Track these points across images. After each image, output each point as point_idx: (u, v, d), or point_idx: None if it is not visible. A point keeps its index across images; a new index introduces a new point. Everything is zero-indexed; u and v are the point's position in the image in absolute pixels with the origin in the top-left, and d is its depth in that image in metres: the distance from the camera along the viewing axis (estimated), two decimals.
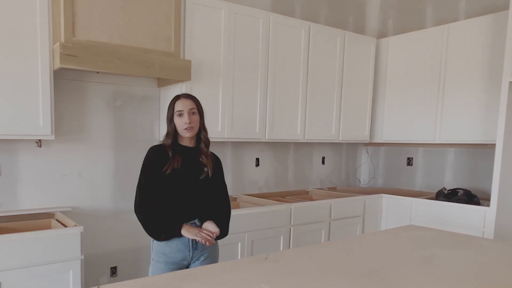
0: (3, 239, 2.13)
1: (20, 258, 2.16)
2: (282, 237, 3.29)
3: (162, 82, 3.12)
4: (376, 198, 4.05)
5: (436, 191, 3.98)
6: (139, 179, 2.06)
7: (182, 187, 2.06)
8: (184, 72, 2.88)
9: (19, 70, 2.33)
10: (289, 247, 3.34)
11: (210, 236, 1.99)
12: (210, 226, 2.04)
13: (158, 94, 3.18)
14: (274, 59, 3.48)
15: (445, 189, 3.86)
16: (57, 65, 2.38)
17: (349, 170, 4.70)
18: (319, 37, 3.80)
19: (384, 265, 1.74)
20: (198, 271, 1.74)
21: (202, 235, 1.96)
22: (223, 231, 2.17)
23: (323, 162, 4.42)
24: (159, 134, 3.16)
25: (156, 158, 2.06)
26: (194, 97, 2.16)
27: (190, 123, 2.04)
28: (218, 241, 2.23)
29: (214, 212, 2.14)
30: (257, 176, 3.86)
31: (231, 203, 3.53)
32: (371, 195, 4.04)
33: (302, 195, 4.10)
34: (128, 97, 3.00)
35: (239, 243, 3.03)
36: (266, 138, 3.49)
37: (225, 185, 2.29)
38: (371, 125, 4.39)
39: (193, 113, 2.07)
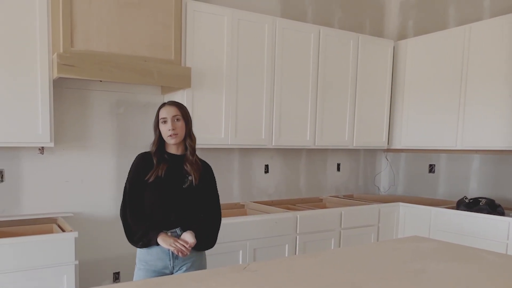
0: None
1: (15, 262, 2.23)
2: (287, 245, 3.21)
3: (166, 89, 3.15)
4: (392, 206, 3.88)
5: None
6: (125, 184, 2.08)
7: (164, 195, 2.04)
8: (183, 79, 2.89)
9: (19, 80, 2.42)
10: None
11: (184, 247, 1.94)
12: (187, 236, 2.00)
13: (162, 101, 3.21)
14: (281, 64, 3.43)
15: (466, 198, 3.64)
16: (55, 74, 2.46)
17: (367, 177, 4.55)
18: (330, 41, 3.72)
19: (365, 278, 1.65)
20: (168, 280, 1.72)
21: (176, 246, 1.93)
22: (208, 242, 2.14)
23: (338, 169, 4.30)
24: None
25: (141, 165, 2.07)
26: (180, 104, 2.15)
27: (173, 129, 2.03)
28: (209, 250, 2.20)
29: (200, 222, 2.10)
30: (267, 183, 3.80)
31: (239, 210, 3.56)
32: (386, 203, 3.87)
33: (315, 203, 4.00)
34: (131, 105, 3.05)
35: (240, 251, 2.99)
36: (273, 144, 3.43)
37: (216, 194, 2.24)
38: (389, 131, 4.23)
39: (177, 119, 2.06)
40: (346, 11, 4.22)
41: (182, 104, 2.16)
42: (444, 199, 4.10)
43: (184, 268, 2.06)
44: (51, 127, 2.51)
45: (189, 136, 2.14)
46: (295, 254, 3.25)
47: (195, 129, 3.00)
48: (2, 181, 2.63)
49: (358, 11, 4.31)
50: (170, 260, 2.03)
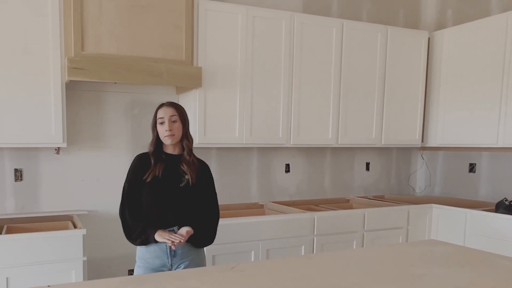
0: (11, 238, 2.35)
1: (26, 256, 2.36)
2: (303, 247, 3.11)
3: (180, 89, 3.18)
4: (424, 208, 3.64)
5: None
6: (123, 185, 2.13)
7: (161, 195, 2.07)
8: (194, 79, 2.90)
9: (34, 83, 2.55)
10: None
11: (179, 238, 1.95)
12: (183, 230, 2.02)
13: (177, 101, 3.25)
14: (300, 61, 3.33)
15: (506, 200, 3.33)
16: (67, 77, 2.57)
17: (401, 177, 4.30)
18: (354, 35, 3.56)
19: (355, 281, 1.57)
20: (150, 277, 1.73)
21: (170, 237, 1.94)
22: (206, 238, 2.15)
23: (367, 168, 4.11)
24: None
25: (140, 165, 2.11)
26: (177, 105, 2.17)
27: (170, 130, 2.05)
28: (203, 250, 2.20)
29: (197, 219, 2.10)
30: (288, 183, 3.72)
31: (257, 210, 3.51)
32: (417, 205, 3.64)
33: (340, 204, 3.85)
34: (146, 105, 3.11)
35: (252, 252, 2.94)
36: (291, 143, 3.35)
37: (214, 193, 2.23)
38: (423, 128, 3.97)
39: (174, 120, 2.08)
40: (377, 3, 4.02)
41: (180, 105, 2.18)
42: (485, 201, 3.79)
43: (182, 266, 2.07)
44: (64, 128, 2.62)
45: (186, 137, 2.15)
46: None
47: (208, 129, 3.05)
48: (21, 180, 2.80)
49: (390, 2, 4.09)
50: (168, 258, 2.06)
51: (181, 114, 2.13)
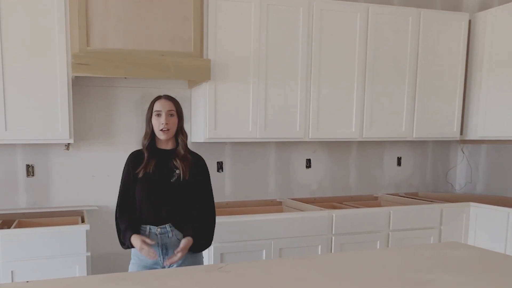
0: (17, 233, 2.40)
1: (31, 251, 2.39)
2: (320, 247, 2.92)
3: (192, 83, 3.10)
4: (459, 207, 3.31)
5: None
6: (120, 185, 2.10)
7: (152, 190, 2.00)
8: (202, 72, 2.81)
9: (41, 79, 2.57)
10: None
11: (152, 251, 1.89)
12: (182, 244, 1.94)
13: (190, 95, 3.18)
14: (319, 50, 3.13)
15: None
16: (71, 73, 2.57)
17: (438, 173, 3.96)
18: (382, 20, 3.29)
19: (351, 286, 1.43)
20: (130, 275, 1.68)
21: (144, 249, 1.88)
22: (204, 242, 2.06)
23: (399, 163, 3.82)
24: (190, 135, 3.14)
25: (133, 163, 2.06)
26: (175, 99, 2.10)
27: (166, 124, 1.99)
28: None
29: (194, 223, 2.01)
30: (309, 179, 3.53)
31: (275, 207, 3.37)
32: (453, 203, 3.31)
33: (367, 201, 3.60)
34: None
35: (264, 251, 2.81)
36: (310, 137, 3.16)
37: (209, 190, 2.13)
38: (462, 119, 3.62)
39: (171, 115, 2.02)
40: None
41: (177, 100, 2.10)
42: None
43: (175, 265, 1.98)
44: (70, 124, 2.63)
45: (181, 132, 2.08)
46: None
47: (219, 123, 2.95)
48: (33, 175, 2.85)
49: None
50: (160, 256, 1.98)
51: (179, 109, 2.07)
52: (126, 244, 1.98)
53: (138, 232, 1.97)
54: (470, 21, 3.57)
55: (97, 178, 2.99)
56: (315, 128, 3.17)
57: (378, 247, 3.08)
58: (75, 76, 2.67)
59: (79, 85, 2.89)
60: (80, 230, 2.45)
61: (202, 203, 2.07)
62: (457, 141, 3.90)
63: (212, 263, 2.69)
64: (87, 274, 2.44)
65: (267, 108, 3.04)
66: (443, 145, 3.96)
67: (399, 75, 3.38)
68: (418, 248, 2.00)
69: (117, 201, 2.07)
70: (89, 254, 2.46)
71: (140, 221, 2.01)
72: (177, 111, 2.04)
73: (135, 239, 1.92)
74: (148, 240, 1.90)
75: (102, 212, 2.91)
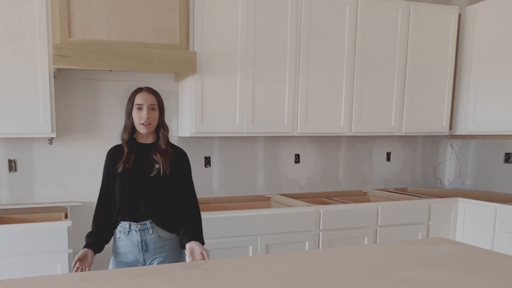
0: None
1: (11, 248, 2.33)
2: (307, 242, 2.90)
3: (178, 76, 3.04)
4: (447, 202, 3.30)
5: None
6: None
7: (131, 185, 1.94)
8: (188, 64, 2.75)
9: (21, 72, 2.49)
10: None
11: (81, 267, 1.81)
12: (196, 249, 1.83)
13: (176, 88, 3.12)
14: (307, 43, 3.08)
15: None
16: (52, 65, 2.50)
17: (427, 169, 3.95)
18: (371, 13, 3.25)
19: (329, 285, 1.39)
20: (104, 273, 1.63)
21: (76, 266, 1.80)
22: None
23: (388, 159, 3.80)
24: (176, 130, 3.09)
25: (112, 160, 2.00)
26: (157, 92, 2.03)
27: (148, 118, 1.92)
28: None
29: (181, 219, 1.97)
30: (297, 174, 3.49)
31: (263, 203, 3.33)
32: (441, 198, 3.30)
33: (356, 197, 3.58)
34: None
35: (250, 247, 2.77)
36: (298, 132, 3.12)
37: (191, 183, 2.06)
38: (451, 114, 3.60)
39: (152, 109, 1.95)
40: None
41: (158, 93, 2.04)
42: None
43: (156, 262, 1.94)
44: (53, 118, 2.56)
45: (162, 126, 2.01)
46: None
47: (205, 117, 2.90)
48: (15, 170, 2.78)
49: None
50: (140, 253, 1.93)
51: (161, 102, 2.01)
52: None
53: (98, 242, 1.93)
54: (460, 14, 3.54)
55: (81, 173, 2.93)
56: (303, 123, 3.13)
57: (366, 243, 3.06)
58: (58, 69, 2.60)
59: (62, 78, 2.82)
60: (62, 227, 2.40)
61: (185, 197, 2.01)
62: (446, 136, 3.89)
63: None
64: (69, 272, 2.38)
65: (254, 103, 2.99)
66: (433, 140, 3.95)
67: (388, 69, 3.35)
68: (401, 244, 1.97)
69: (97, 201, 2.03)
70: (71, 251, 2.40)
71: (120, 217, 1.96)
72: (159, 105, 1.98)
73: (82, 250, 1.86)
74: (79, 265, 1.81)
75: (86, 208, 2.81)
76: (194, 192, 2.07)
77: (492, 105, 3.36)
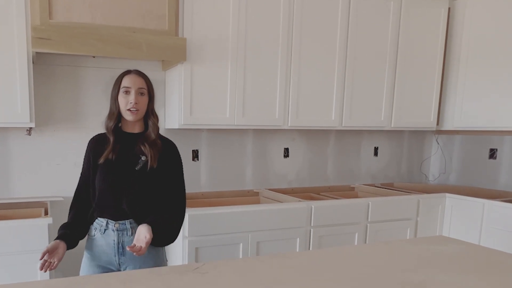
0: None
1: None
2: (298, 239, 2.83)
3: (166, 65, 2.89)
4: (435, 198, 3.30)
5: None
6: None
7: (113, 179, 1.75)
8: (177, 51, 2.60)
9: None
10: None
11: (49, 260, 1.62)
12: (142, 233, 1.65)
13: (164, 77, 2.96)
14: (300, 33, 2.98)
15: None
16: (31, 49, 2.30)
17: (413, 164, 3.95)
18: (363, 5, 3.17)
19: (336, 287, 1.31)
20: (92, 279, 1.48)
21: (42, 257, 1.61)
22: (167, 235, 1.78)
23: (375, 154, 3.77)
24: (163, 121, 2.94)
25: (94, 150, 1.81)
26: (147, 76, 1.85)
27: (136, 104, 1.73)
28: (163, 249, 1.88)
29: (157, 212, 1.78)
30: (286, 168, 3.41)
31: (252, 198, 3.23)
32: (429, 194, 3.30)
33: (344, 192, 3.54)
34: None
35: (240, 245, 2.67)
36: (289, 125, 3.03)
37: (181, 180, 1.89)
38: (439, 109, 3.60)
39: (141, 93, 1.77)
40: None
41: (148, 78, 1.86)
42: (506, 191, 3.43)
43: (132, 266, 1.75)
44: (31, 107, 2.36)
45: (152, 113, 1.83)
46: (308, 249, 2.86)
47: (195, 108, 2.75)
48: None
49: None
50: (115, 256, 1.75)
51: (151, 87, 1.83)
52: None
53: (72, 234, 1.75)
54: (449, 8, 3.52)
55: (62, 166, 2.73)
56: (295, 116, 3.04)
57: (356, 239, 3.02)
58: (37, 53, 2.40)
59: (41, 64, 2.61)
60: (41, 224, 2.21)
61: (171, 195, 1.82)
62: (432, 131, 3.90)
63: (187, 258, 2.53)
64: (49, 275, 2.21)
65: (245, 93, 2.87)
66: (419, 136, 3.95)
67: (380, 63, 3.30)
68: (403, 243, 1.92)
69: (74, 192, 1.85)
70: None
71: (97, 213, 1.78)
72: (149, 90, 1.80)
73: (53, 242, 1.67)
74: (47, 257, 1.63)
75: (68, 204, 2.57)
76: (184, 191, 1.89)
77: (478, 101, 3.37)
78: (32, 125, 2.38)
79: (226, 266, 1.53)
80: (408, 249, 1.80)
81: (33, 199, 2.63)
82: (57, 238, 1.70)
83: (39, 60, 2.57)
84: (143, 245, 1.60)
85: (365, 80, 3.25)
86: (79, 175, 1.88)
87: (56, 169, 2.73)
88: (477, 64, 3.39)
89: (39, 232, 2.21)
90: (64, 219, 2.56)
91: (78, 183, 1.86)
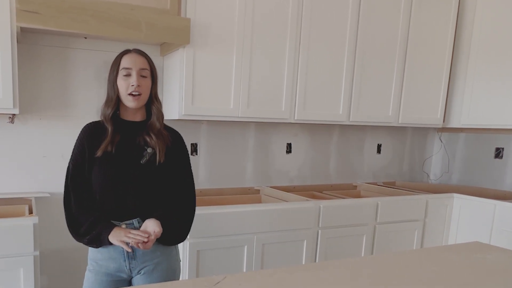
0: None
1: None
2: (305, 241, 2.64)
3: (165, 49, 2.63)
4: (444, 198, 3.17)
5: None
6: (68, 165, 1.59)
7: (116, 174, 1.53)
8: (180, 33, 2.35)
9: None
10: (316, 254, 2.69)
11: (145, 237, 1.42)
12: (149, 225, 1.48)
13: (162, 63, 2.71)
14: (309, 24, 2.76)
15: None
16: (15, 23, 2.01)
17: (415, 162, 3.82)
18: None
19: None
20: None
21: (131, 236, 1.42)
22: (177, 233, 1.61)
23: (378, 151, 3.62)
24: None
25: (89, 139, 1.56)
26: (148, 56, 1.62)
27: (138, 86, 1.51)
28: (176, 248, 1.69)
29: (166, 208, 1.58)
30: (288, 165, 3.21)
31: (253, 196, 3.01)
32: (437, 194, 3.16)
33: (347, 190, 3.37)
34: None
35: (245, 247, 2.46)
36: (295, 118, 2.82)
37: (190, 174, 1.70)
38: (446, 105, 3.46)
39: (143, 75, 1.54)
40: None
41: (150, 58, 1.62)
42: None
43: (143, 272, 1.56)
44: (15, 90, 2.05)
45: (155, 98, 1.61)
46: (315, 251, 2.68)
47: (197, 97, 2.51)
48: None
49: None
50: (125, 261, 1.54)
51: (153, 68, 1.61)
52: (100, 242, 1.50)
53: (114, 225, 1.51)
54: (459, 2, 3.38)
55: (48, 158, 2.44)
56: (302, 109, 2.84)
57: (364, 242, 2.85)
58: (22, 30, 2.11)
59: (27, 43, 2.32)
60: (26, 224, 1.93)
61: (180, 190, 1.63)
62: (435, 129, 3.77)
63: (187, 262, 2.30)
64: (34, 277, 1.95)
65: (251, 83, 2.64)
66: (422, 133, 3.81)
67: (389, 56, 3.12)
68: (441, 251, 1.75)
69: (67, 185, 1.56)
70: (37, 253, 1.94)
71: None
72: (152, 71, 1.59)
73: (115, 232, 1.47)
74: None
75: (55, 200, 2.34)
76: (193, 186, 1.70)
77: (488, 98, 3.24)
78: (16, 111, 2.09)
79: (251, 281, 1.32)
80: (451, 259, 1.62)
81: (16, 195, 2.33)
82: (105, 231, 1.49)
83: (24, 39, 2.28)
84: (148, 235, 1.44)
85: (374, 74, 3.08)
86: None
87: (42, 162, 2.44)
88: (486, 60, 3.26)
89: (22, 234, 1.93)
90: (52, 217, 2.31)
91: (71, 178, 1.56)
